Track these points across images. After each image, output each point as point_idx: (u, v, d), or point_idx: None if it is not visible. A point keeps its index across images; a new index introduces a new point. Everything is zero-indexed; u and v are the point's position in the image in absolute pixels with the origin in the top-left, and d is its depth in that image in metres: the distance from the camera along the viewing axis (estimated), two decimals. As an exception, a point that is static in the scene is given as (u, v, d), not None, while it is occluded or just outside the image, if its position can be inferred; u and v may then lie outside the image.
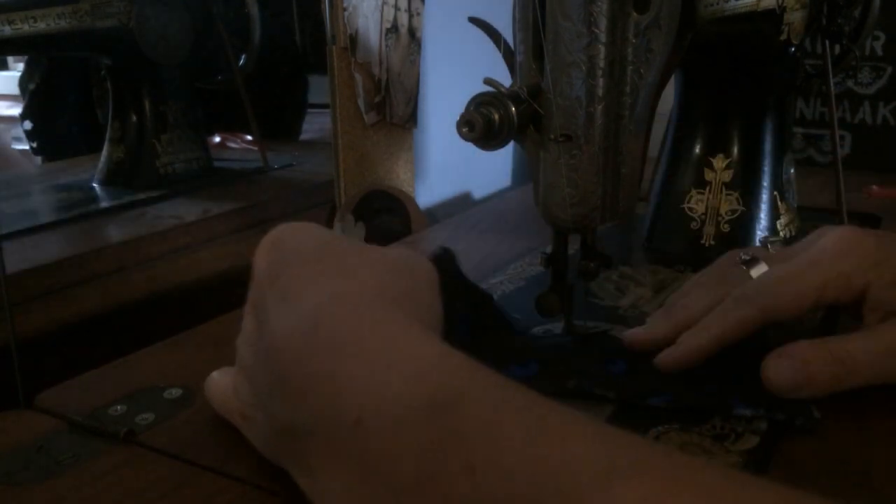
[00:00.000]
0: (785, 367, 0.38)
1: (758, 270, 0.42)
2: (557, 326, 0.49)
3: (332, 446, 0.26)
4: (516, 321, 0.48)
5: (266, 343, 0.29)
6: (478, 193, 1.08)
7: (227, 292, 0.74)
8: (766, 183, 0.63)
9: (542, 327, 0.50)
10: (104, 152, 0.95)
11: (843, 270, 0.39)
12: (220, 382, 0.37)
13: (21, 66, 1.07)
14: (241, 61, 1.05)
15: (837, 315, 0.45)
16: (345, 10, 0.77)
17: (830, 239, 0.41)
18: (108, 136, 0.95)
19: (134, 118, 0.94)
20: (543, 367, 0.42)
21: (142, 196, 0.89)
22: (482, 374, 0.26)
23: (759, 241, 0.50)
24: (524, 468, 0.22)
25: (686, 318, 0.43)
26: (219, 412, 0.37)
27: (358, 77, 0.80)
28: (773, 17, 0.56)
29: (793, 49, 0.61)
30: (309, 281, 0.30)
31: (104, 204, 0.87)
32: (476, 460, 0.23)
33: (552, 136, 0.40)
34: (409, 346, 0.27)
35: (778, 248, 0.45)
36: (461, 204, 1.03)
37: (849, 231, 0.41)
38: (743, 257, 0.44)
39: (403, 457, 0.24)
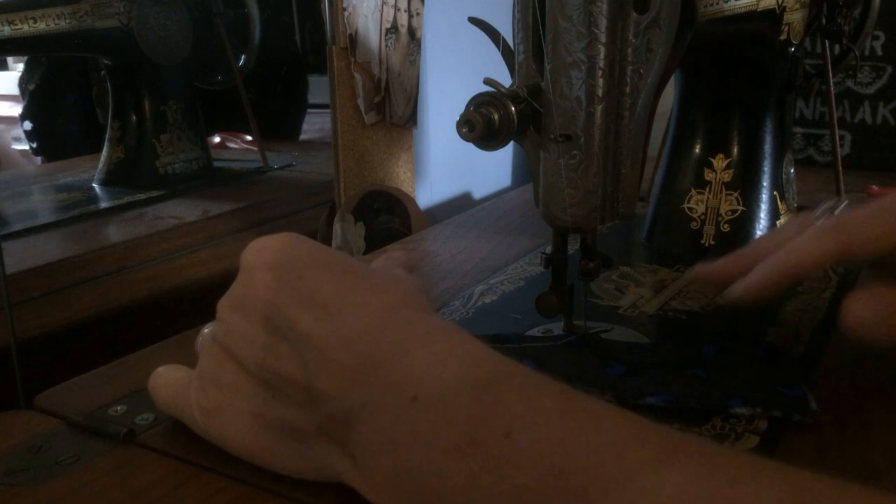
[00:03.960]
0: (865, 305, 0.36)
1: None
2: (557, 326, 0.49)
3: (386, 422, 0.28)
4: (506, 329, 0.48)
5: (312, 344, 0.30)
6: (478, 193, 1.08)
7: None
8: (766, 183, 0.63)
9: (542, 327, 0.50)
10: (104, 152, 0.95)
11: None
12: (170, 377, 0.37)
13: (21, 66, 1.07)
14: (241, 61, 1.05)
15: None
16: (345, 10, 0.77)
17: None
18: (108, 136, 0.95)
19: (134, 118, 0.94)
20: (539, 367, 0.42)
21: (142, 196, 0.89)
22: (523, 367, 0.29)
23: (824, 208, 0.47)
24: (560, 439, 0.25)
25: (756, 253, 0.40)
26: (161, 407, 0.37)
27: (358, 77, 0.80)
28: (772, 17, 0.56)
29: (793, 49, 0.61)
30: (348, 294, 0.31)
31: (104, 204, 0.87)
32: (514, 427, 0.25)
33: (552, 136, 0.40)
34: (461, 340, 0.30)
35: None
36: (461, 204, 1.03)
37: None
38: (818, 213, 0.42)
39: (451, 424, 0.26)
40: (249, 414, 0.33)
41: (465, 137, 0.38)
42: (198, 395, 0.34)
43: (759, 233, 0.63)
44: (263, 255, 0.34)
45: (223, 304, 0.34)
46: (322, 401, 0.29)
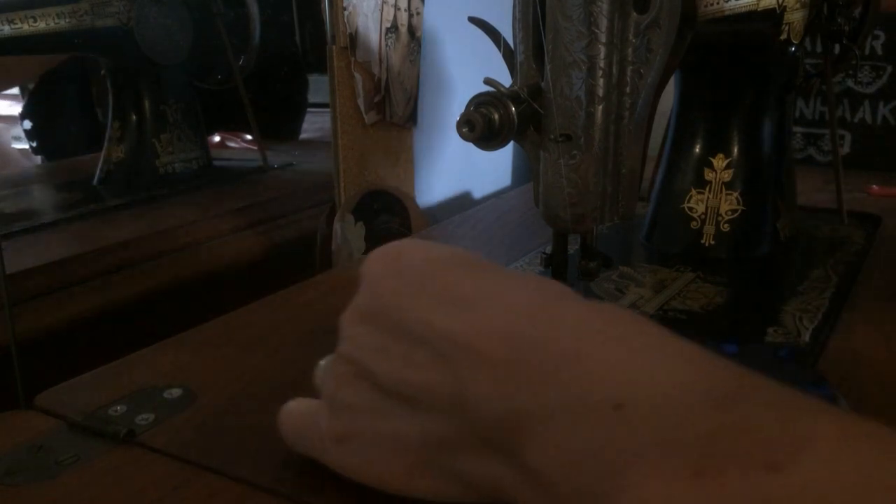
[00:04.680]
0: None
1: None
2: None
3: (580, 430, 0.23)
4: None
5: (458, 343, 0.26)
6: (478, 193, 1.08)
7: (227, 292, 0.75)
8: (766, 182, 0.63)
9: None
10: (104, 151, 0.95)
11: None
12: (296, 410, 0.34)
13: (21, 65, 1.07)
14: (241, 61, 1.05)
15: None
16: (345, 9, 0.77)
17: None
18: (108, 135, 0.95)
19: (134, 118, 0.94)
20: None
21: (142, 196, 0.89)
22: (763, 377, 0.23)
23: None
24: (851, 482, 0.19)
25: None
26: (290, 442, 0.34)
27: (358, 76, 0.80)
28: (773, 17, 0.56)
29: (793, 49, 0.61)
30: (492, 286, 0.28)
31: (104, 203, 0.87)
32: (779, 458, 0.20)
33: (552, 136, 0.40)
34: (663, 336, 0.25)
35: None
36: (461, 204, 1.03)
37: None
38: None
39: (679, 445, 0.21)
40: (389, 435, 0.29)
41: (465, 137, 0.38)
42: (328, 423, 0.31)
43: (759, 232, 0.63)
44: (387, 262, 0.31)
45: (348, 319, 0.31)
46: (479, 406, 0.26)
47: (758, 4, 0.54)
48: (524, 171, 1.14)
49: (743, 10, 0.52)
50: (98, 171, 0.95)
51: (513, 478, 0.25)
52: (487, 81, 0.38)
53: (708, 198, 0.63)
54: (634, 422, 0.22)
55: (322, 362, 0.34)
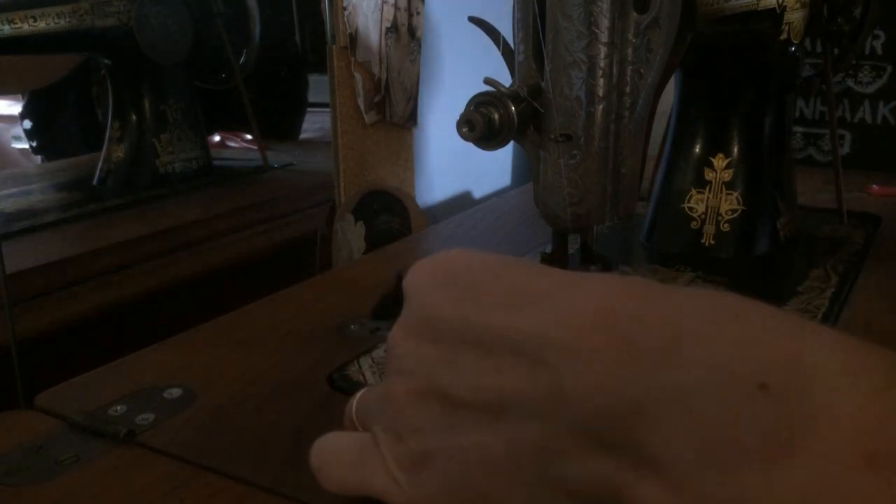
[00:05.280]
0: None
1: None
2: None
3: (714, 412, 0.20)
4: None
5: (546, 339, 0.24)
6: (478, 193, 1.08)
7: (227, 291, 0.75)
8: (766, 182, 0.63)
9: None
10: (104, 151, 0.95)
11: None
12: (340, 445, 0.31)
13: (21, 65, 1.07)
14: (241, 60, 1.05)
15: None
16: (345, 9, 0.77)
17: None
18: (108, 135, 0.95)
19: (134, 117, 0.94)
20: None
21: (142, 195, 0.89)
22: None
23: None
24: None
25: None
26: (337, 483, 0.30)
27: (358, 76, 0.80)
28: (773, 17, 0.56)
29: (793, 49, 0.61)
30: (559, 279, 0.26)
31: (104, 203, 0.87)
32: None
33: (552, 136, 0.40)
34: (782, 315, 0.22)
35: None
36: (461, 204, 1.03)
37: None
38: None
39: (852, 429, 0.19)
40: (474, 450, 0.26)
41: (465, 137, 0.38)
42: (394, 451, 0.28)
43: (759, 232, 0.63)
44: (435, 272, 0.29)
45: (400, 336, 0.29)
46: (582, 402, 0.23)
47: (758, 4, 0.54)
48: (524, 171, 1.14)
49: (743, 10, 0.52)
50: (98, 171, 0.95)
51: (629, 474, 0.22)
52: (487, 81, 0.38)
53: (708, 197, 0.63)
54: (784, 403, 0.19)
55: (358, 394, 0.32)
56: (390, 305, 0.47)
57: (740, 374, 0.20)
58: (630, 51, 0.39)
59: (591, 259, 0.45)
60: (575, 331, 0.24)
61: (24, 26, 0.79)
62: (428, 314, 0.28)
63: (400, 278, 0.36)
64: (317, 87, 1.17)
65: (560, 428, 0.24)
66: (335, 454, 0.30)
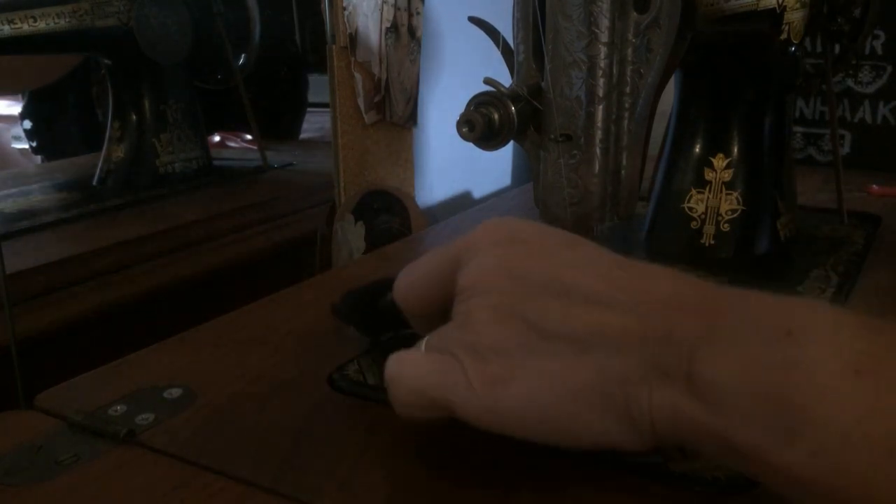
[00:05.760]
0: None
1: None
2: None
3: (752, 352, 0.26)
4: None
5: (630, 287, 0.29)
6: (478, 193, 1.08)
7: (227, 292, 0.75)
8: (766, 182, 0.63)
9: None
10: (104, 151, 0.95)
11: None
12: (419, 360, 0.32)
13: (21, 65, 1.07)
14: (241, 60, 1.05)
15: None
16: (345, 9, 0.77)
17: None
18: (108, 135, 0.95)
19: (134, 117, 0.94)
20: None
21: (142, 195, 0.89)
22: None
23: None
24: None
25: None
26: (409, 396, 0.31)
27: (358, 76, 0.80)
28: (773, 17, 0.56)
29: (793, 49, 0.61)
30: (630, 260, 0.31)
31: (104, 203, 0.87)
32: None
33: (552, 136, 0.40)
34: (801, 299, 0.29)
35: None
36: (461, 204, 1.03)
37: None
38: None
39: (841, 354, 0.25)
40: (555, 373, 0.29)
41: (465, 137, 0.38)
42: (475, 368, 0.29)
43: (759, 232, 0.63)
44: (506, 229, 0.32)
45: (477, 277, 0.31)
46: (657, 340, 0.28)
47: (758, 4, 0.54)
48: (524, 171, 1.14)
49: (743, 10, 0.52)
50: (98, 171, 0.95)
51: (688, 400, 0.27)
52: (487, 81, 0.38)
53: (708, 198, 0.63)
54: (803, 341, 0.25)
55: (426, 338, 0.32)
56: (366, 308, 0.46)
57: (771, 322, 0.26)
58: (630, 51, 0.39)
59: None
60: (656, 289, 0.29)
61: (24, 26, 0.79)
62: (516, 260, 0.31)
63: (389, 286, 0.36)
64: (317, 87, 1.17)
65: (639, 362, 0.28)
66: (414, 366, 0.31)
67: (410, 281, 0.36)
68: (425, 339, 0.32)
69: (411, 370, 0.31)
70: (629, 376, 0.28)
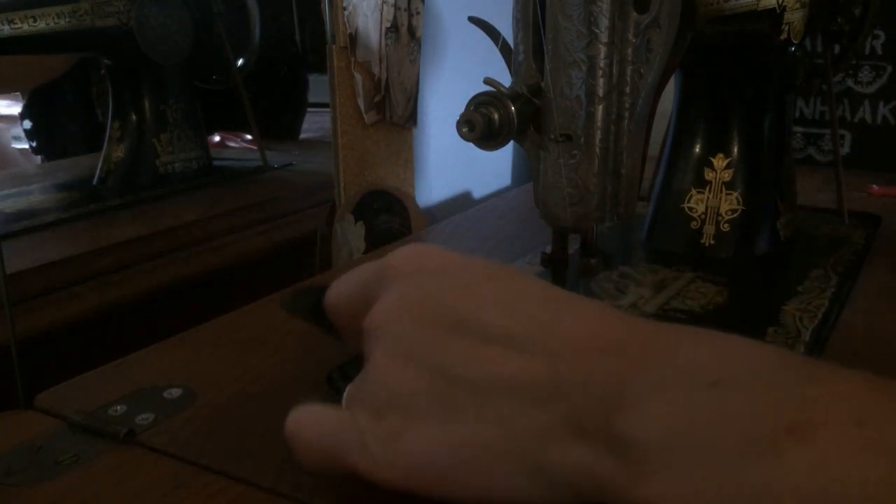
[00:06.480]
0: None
1: None
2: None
3: (676, 405, 0.23)
4: None
5: (551, 333, 0.26)
6: (478, 193, 1.08)
7: (226, 292, 0.74)
8: (766, 182, 0.63)
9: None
10: (104, 151, 0.95)
11: None
12: (317, 415, 0.30)
13: (21, 65, 1.07)
14: (241, 61, 1.05)
15: None
16: (345, 9, 0.77)
17: None
18: (107, 135, 0.95)
19: (134, 117, 0.94)
20: None
21: (142, 195, 0.89)
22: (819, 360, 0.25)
23: None
24: None
25: None
26: (307, 452, 0.30)
27: (358, 76, 0.80)
28: (773, 17, 0.56)
29: (793, 48, 0.61)
30: (552, 290, 0.29)
31: (104, 203, 0.87)
32: (864, 416, 0.21)
33: (552, 136, 0.40)
34: (725, 334, 0.26)
35: None
36: (461, 204, 1.03)
37: None
38: None
39: (776, 408, 0.22)
40: (455, 426, 0.26)
41: (465, 137, 0.38)
42: (371, 425, 0.27)
43: (759, 232, 0.63)
44: (421, 261, 0.30)
45: (381, 317, 0.29)
46: (576, 393, 0.25)
47: (758, 4, 0.54)
48: (524, 171, 1.14)
49: (743, 10, 0.52)
50: (98, 171, 0.95)
51: (605, 459, 0.24)
52: (487, 81, 0.38)
53: (708, 198, 0.63)
54: (731, 392, 0.23)
55: (295, 411, 0.31)
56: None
57: (692, 373, 0.24)
58: (630, 51, 0.39)
59: (591, 254, 0.45)
60: (571, 327, 0.26)
61: (24, 26, 0.79)
62: (423, 297, 0.28)
63: (322, 290, 0.34)
64: (317, 87, 1.17)
65: (554, 417, 0.25)
66: (312, 424, 0.30)
67: (338, 293, 0.34)
68: (346, 392, 0.31)
69: (308, 430, 0.30)
70: (539, 431, 0.25)
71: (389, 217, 0.81)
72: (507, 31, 0.43)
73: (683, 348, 0.25)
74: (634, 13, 0.39)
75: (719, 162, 0.63)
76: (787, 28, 0.58)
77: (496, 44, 0.43)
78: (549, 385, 0.25)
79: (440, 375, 0.27)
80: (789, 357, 0.25)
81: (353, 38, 0.78)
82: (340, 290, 0.34)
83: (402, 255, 0.30)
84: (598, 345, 0.25)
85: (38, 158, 1.09)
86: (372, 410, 0.28)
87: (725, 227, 0.62)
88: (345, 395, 0.30)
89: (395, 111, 0.85)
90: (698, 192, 0.63)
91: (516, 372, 0.26)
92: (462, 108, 0.38)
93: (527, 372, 0.25)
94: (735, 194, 0.62)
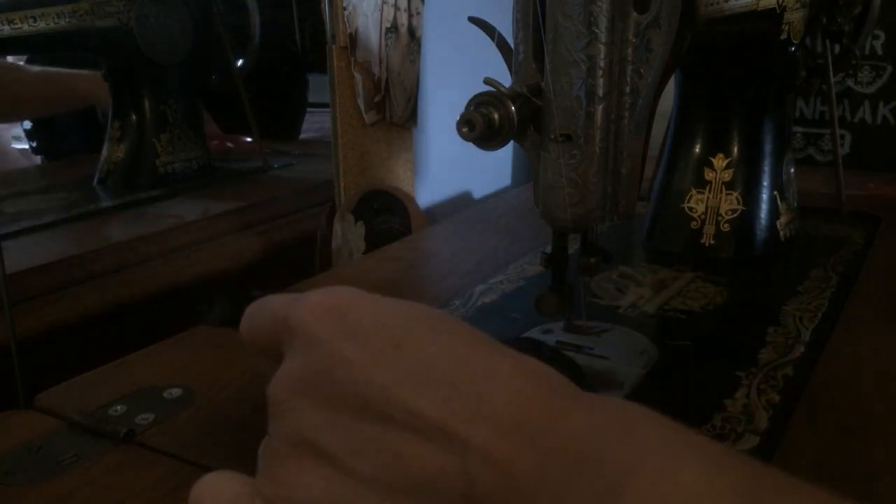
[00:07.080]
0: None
1: None
2: (557, 326, 0.49)
3: None
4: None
5: (460, 436, 0.23)
6: (477, 193, 1.08)
7: (227, 292, 0.74)
8: (766, 182, 0.63)
9: (541, 327, 0.50)
10: (104, 152, 0.95)
11: None
12: (222, 491, 0.28)
13: (20, 64, 1.07)
14: (241, 61, 1.05)
15: None
16: (345, 9, 0.77)
17: None
18: (108, 135, 0.95)
19: (134, 117, 0.94)
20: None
21: (141, 196, 0.89)
22: (761, 463, 0.23)
23: None
24: None
25: None
26: None
27: (358, 76, 0.80)
28: (773, 17, 0.56)
29: (793, 48, 0.61)
30: (477, 365, 0.25)
31: (104, 203, 0.87)
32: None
33: (552, 136, 0.40)
34: (663, 425, 0.24)
35: None
36: (461, 204, 1.03)
37: None
38: None
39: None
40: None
41: (465, 137, 0.38)
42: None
43: (759, 232, 0.63)
44: (333, 318, 0.26)
45: (283, 391, 0.26)
46: (490, 489, 0.22)
47: (758, 4, 0.54)
48: (524, 171, 1.14)
49: (743, 10, 0.52)
50: (98, 171, 0.95)
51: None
52: (487, 81, 0.38)
53: (708, 198, 0.63)
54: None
55: (201, 479, 0.29)
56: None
57: (615, 491, 0.21)
58: (630, 51, 0.39)
59: (592, 252, 0.45)
60: (493, 441, 0.23)
61: (24, 26, 0.79)
62: (329, 369, 0.25)
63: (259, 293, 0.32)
64: (317, 87, 1.17)
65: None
66: (215, 499, 0.28)
67: (250, 327, 0.31)
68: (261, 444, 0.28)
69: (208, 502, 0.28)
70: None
71: (389, 217, 0.81)
72: (507, 31, 0.43)
73: (598, 435, 0.22)
74: (634, 13, 0.39)
75: (719, 162, 0.63)
76: (787, 28, 0.58)
77: (493, 40, 0.43)
78: (461, 483, 0.23)
79: (343, 471, 0.25)
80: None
81: (353, 38, 0.78)
82: (253, 323, 0.31)
83: (314, 307, 0.27)
84: (516, 422, 0.23)
85: (38, 158, 1.09)
86: (272, 496, 0.26)
87: (725, 227, 0.62)
88: (259, 449, 0.28)
89: (395, 111, 0.85)
90: (698, 192, 0.63)
91: (424, 466, 0.23)
92: (462, 108, 0.38)
93: (436, 466, 0.23)
94: (735, 194, 0.63)
